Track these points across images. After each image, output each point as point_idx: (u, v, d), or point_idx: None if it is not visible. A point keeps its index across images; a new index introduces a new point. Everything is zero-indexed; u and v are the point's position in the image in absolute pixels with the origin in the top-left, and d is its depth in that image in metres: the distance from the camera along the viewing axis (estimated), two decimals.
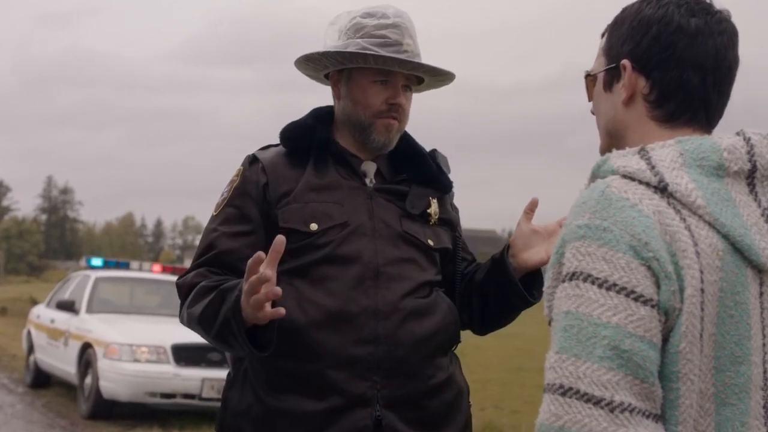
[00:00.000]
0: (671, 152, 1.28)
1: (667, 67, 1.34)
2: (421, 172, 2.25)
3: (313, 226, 2.10)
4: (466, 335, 2.33)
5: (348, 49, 2.13)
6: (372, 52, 2.10)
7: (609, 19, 1.45)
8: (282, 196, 2.13)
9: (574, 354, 1.17)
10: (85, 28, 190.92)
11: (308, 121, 2.24)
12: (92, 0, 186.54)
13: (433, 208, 2.23)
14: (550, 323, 1.26)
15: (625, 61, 1.37)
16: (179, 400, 8.58)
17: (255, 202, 2.14)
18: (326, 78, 2.27)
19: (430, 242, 2.20)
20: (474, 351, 14.23)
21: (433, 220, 2.23)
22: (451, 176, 2.32)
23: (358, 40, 2.13)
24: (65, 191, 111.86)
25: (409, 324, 2.08)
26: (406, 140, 2.27)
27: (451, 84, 2.29)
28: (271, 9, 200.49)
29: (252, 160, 2.20)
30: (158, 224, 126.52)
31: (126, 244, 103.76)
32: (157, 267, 12.77)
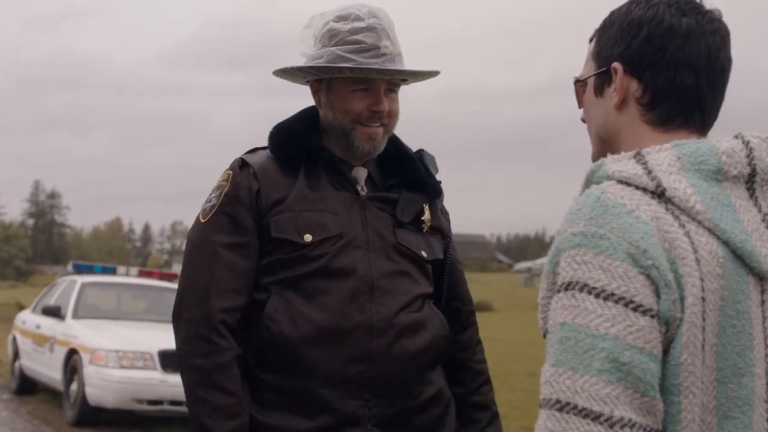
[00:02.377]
0: (668, 156, 1.24)
1: (659, 69, 1.30)
2: (410, 176, 2.18)
3: (308, 237, 2.02)
4: None
5: (321, 62, 2.04)
6: (347, 65, 2.01)
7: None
8: (275, 203, 2.04)
9: (571, 367, 1.12)
10: (76, 31, 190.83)
11: (296, 126, 2.15)
12: (84, 3, 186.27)
13: (427, 215, 2.17)
14: (545, 335, 1.21)
15: (616, 64, 1.33)
16: (166, 407, 8.53)
17: (248, 210, 2.04)
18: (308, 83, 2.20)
19: (424, 254, 2.14)
20: None
21: (426, 227, 2.17)
22: (439, 176, 2.26)
23: (333, 48, 2.04)
24: (53, 195, 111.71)
25: (402, 340, 2.03)
26: (394, 143, 2.19)
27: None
28: (263, 13, 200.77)
29: (242, 165, 2.09)
30: (146, 229, 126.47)
31: (113, 248, 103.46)
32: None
